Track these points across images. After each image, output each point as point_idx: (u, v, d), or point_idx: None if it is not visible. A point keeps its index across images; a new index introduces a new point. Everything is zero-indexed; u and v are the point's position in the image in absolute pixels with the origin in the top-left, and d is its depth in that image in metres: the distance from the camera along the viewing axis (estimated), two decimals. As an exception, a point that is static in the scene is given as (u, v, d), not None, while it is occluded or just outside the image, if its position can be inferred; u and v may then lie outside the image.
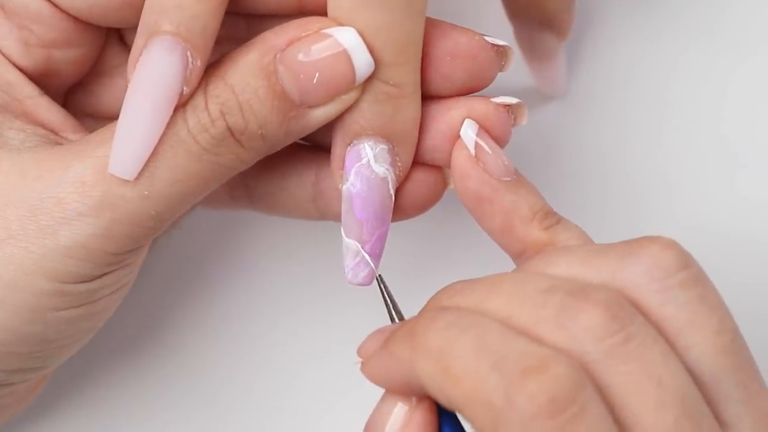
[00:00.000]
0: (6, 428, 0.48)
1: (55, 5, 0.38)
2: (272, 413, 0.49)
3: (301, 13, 0.39)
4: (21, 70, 0.39)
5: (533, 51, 0.48)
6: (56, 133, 0.39)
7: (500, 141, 0.38)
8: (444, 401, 0.32)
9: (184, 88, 0.36)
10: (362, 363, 0.36)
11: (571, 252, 0.35)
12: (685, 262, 0.34)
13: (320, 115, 0.37)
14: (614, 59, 0.51)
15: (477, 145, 0.38)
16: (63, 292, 0.37)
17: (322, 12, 0.37)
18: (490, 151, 0.38)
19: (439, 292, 0.36)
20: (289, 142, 0.38)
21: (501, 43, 0.39)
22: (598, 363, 0.32)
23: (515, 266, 0.38)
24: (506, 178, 0.37)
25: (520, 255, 0.38)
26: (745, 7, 0.51)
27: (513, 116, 0.39)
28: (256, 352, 0.49)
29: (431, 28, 0.38)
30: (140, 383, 0.49)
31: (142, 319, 0.49)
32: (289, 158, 0.41)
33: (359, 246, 0.38)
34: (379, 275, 0.39)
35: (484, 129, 0.38)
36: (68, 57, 0.40)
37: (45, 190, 0.36)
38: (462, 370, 0.32)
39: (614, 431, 0.31)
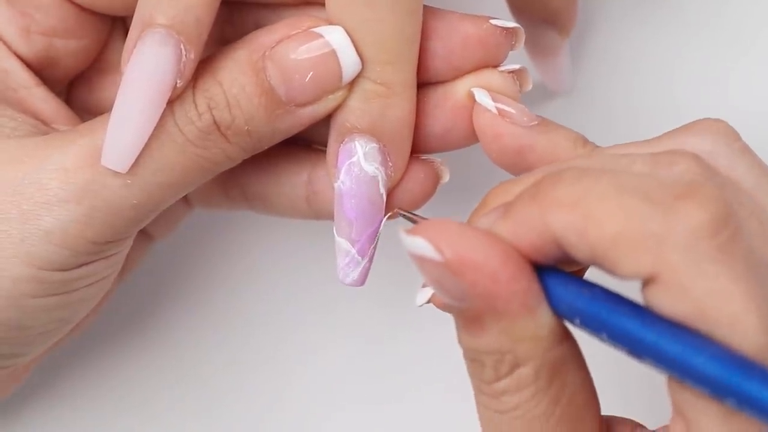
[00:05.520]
0: (6, 427, 0.48)
1: None
2: (271, 412, 0.49)
3: (305, 2, 0.39)
4: (21, 58, 0.40)
5: (537, 48, 0.48)
6: (48, 124, 0.39)
7: None
8: (585, 250, 0.31)
9: (178, 81, 0.36)
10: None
11: (625, 147, 0.35)
12: (737, 133, 0.34)
13: (308, 113, 0.37)
14: (619, 55, 0.51)
15: (496, 106, 0.38)
16: (40, 279, 0.37)
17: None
18: (509, 107, 0.38)
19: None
20: (278, 140, 0.38)
21: (510, 25, 0.39)
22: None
23: None
24: (534, 123, 0.38)
25: None
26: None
27: (518, 82, 0.39)
28: (256, 351, 0.49)
29: (437, 20, 0.38)
30: (138, 381, 0.49)
31: (139, 318, 0.49)
32: (283, 158, 0.41)
33: (349, 245, 0.39)
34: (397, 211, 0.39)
35: None
36: (69, 47, 0.40)
37: (27, 176, 0.37)
38: (607, 209, 0.30)
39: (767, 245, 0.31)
